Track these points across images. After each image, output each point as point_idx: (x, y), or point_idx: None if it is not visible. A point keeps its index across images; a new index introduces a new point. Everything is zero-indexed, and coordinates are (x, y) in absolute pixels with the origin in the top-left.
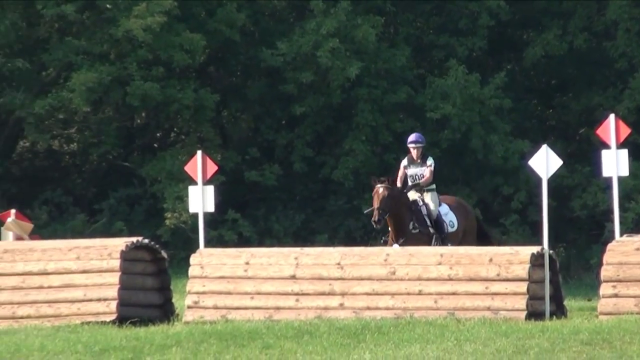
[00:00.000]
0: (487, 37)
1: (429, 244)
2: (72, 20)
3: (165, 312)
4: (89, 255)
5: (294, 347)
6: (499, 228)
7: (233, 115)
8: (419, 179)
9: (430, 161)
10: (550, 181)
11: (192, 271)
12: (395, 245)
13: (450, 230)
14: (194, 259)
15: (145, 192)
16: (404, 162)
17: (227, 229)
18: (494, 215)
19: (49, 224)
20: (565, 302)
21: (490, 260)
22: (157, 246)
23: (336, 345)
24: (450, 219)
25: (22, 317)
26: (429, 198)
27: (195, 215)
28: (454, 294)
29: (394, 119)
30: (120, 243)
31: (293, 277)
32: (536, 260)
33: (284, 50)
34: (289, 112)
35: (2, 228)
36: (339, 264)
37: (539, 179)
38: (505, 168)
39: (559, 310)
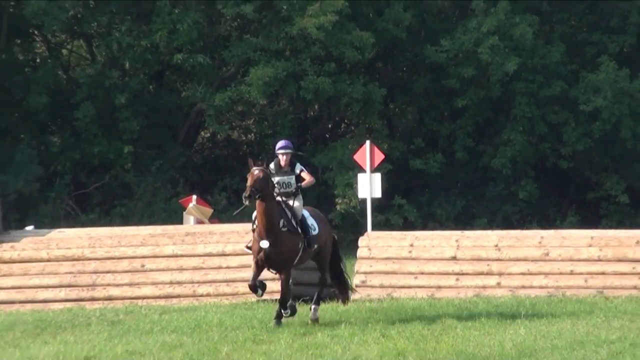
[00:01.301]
0: (637, 34)
1: (296, 242)
2: (251, 19)
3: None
4: None
5: (454, 323)
6: None
7: (399, 108)
8: (285, 187)
9: (299, 167)
10: None
11: (360, 253)
12: (265, 242)
13: (314, 233)
14: (362, 241)
15: (318, 179)
16: (271, 167)
17: (393, 214)
18: None
19: (228, 209)
20: None
21: (637, 242)
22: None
23: (493, 321)
24: (311, 222)
25: (202, 295)
26: (295, 202)
27: (364, 201)
28: (602, 273)
29: (548, 110)
30: None
31: (454, 258)
32: None
33: (447, 47)
34: (452, 104)
35: (184, 213)
36: (496, 246)
37: None
38: None
39: None
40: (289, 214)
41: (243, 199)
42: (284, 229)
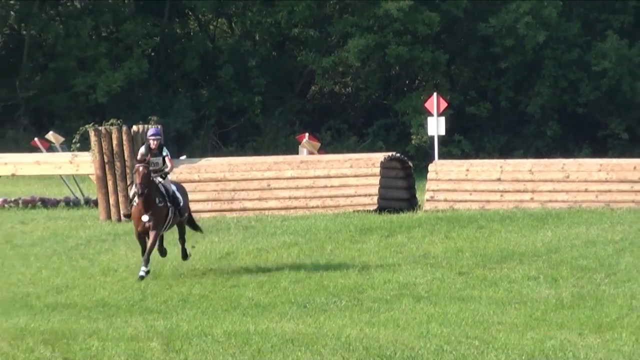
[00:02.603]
0: (633, 14)
1: (167, 213)
2: (348, 2)
3: (410, 204)
4: (359, 164)
5: (499, 227)
6: None
7: (458, 69)
8: (155, 166)
9: (165, 152)
10: None
11: (429, 176)
12: (146, 217)
13: (182, 204)
14: (431, 167)
15: (398, 121)
16: (142, 150)
17: (453, 147)
18: None
19: (331, 143)
20: None
21: (635, 168)
22: (405, 158)
23: (528, 227)
24: (178, 195)
25: (312, 207)
26: (166, 180)
27: (432, 137)
28: (609, 191)
29: (568, 71)
30: (380, 156)
31: (498, 179)
32: None
33: (494, 23)
34: (496, 66)
35: (299, 146)
36: (530, 170)
37: None
38: None
39: None
40: (163, 191)
41: (137, 196)
42: (160, 205)
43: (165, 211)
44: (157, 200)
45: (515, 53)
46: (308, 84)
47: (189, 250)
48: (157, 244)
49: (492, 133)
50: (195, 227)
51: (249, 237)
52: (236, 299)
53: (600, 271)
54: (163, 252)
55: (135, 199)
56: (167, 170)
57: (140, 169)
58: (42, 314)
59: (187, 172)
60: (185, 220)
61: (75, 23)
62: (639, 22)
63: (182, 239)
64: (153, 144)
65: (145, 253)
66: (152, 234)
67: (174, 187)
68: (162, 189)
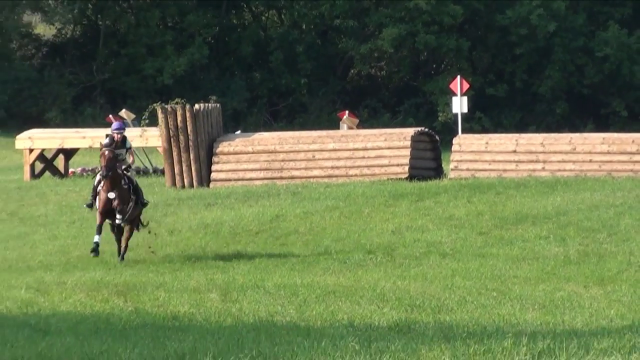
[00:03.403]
0: (632, 7)
1: (129, 193)
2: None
3: (437, 173)
4: (392, 138)
5: (515, 193)
6: None
7: (479, 54)
8: (121, 157)
9: (129, 144)
10: None
11: (453, 148)
12: (112, 194)
13: (139, 187)
14: (455, 140)
15: (426, 100)
16: (106, 141)
17: (475, 123)
18: None
19: (368, 120)
20: None
21: (633, 141)
22: (432, 133)
23: (540, 193)
24: (139, 188)
25: (351, 175)
26: (131, 173)
27: (456, 115)
28: (610, 161)
29: (575, 56)
30: (411, 131)
31: (514, 151)
32: None
33: (510, 15)
34: (512, 52)
35: (340, 122)
36: (542, 143)
37: None
38: None
39: None
40: (126, 179)
41: (101, 177)
42: (125, 187)
43: (129, 194)
44: (122, 182)
45: (529, 41)
46: (348, 68)
47: (126, 249)
48: (101, 228)
49: (509, 111)
50: (140, 223)
51: (296, 201)
52: (285, 255)
53: (602, 231)
54: (99, 236)
55: (101, 184)
56: (129, 162)
57: (106, 152)
58: (116, 269)
59: (242, 145)
60: (139, 214)
61: (144, 14)
62: (636, 14)
63: (127, 240)
64: (117, 137)
65: (123, 247)
66: (126, 229)
67: (136, 181)
68: (126, 178)
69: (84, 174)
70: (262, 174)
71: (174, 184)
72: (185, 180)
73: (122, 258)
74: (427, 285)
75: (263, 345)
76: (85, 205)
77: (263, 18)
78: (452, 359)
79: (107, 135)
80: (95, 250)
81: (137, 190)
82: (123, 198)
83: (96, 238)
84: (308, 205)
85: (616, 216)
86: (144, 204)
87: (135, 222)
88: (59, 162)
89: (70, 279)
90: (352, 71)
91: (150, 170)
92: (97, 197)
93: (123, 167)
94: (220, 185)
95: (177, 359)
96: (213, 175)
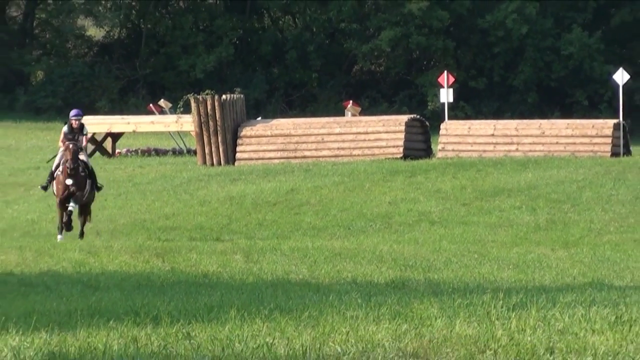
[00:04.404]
0: (592, 12)
1: (86, 180)
2: (382, 3)
3: (427, 153)
4: (389, 123)
5: (493, 170)
6: None
7: (462, 52)
8: (80, 143)
9: (86, 130)
10: None
11: (441, 132)
12: (70, 180)
13: (94, 172)
14: (442, 125)
15: (418, 92)
16: (65, 129)
17: (459, 111)
18: None
19: (369, 109)
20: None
21: (593, 126)
22: (423, 119)
23: (514, 170)
24: (94, 172)
25: (355, 155)
26: (85, 154)
27: (443, 104)
28: (573, 143)
29: (544, 54)
30: (405, 117)
31: (492, 135)
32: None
33: (489, 19)
34: (491, 50)
35: (345, 110)
36: (515, 128)
37: None
38: None
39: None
40: (83, 165)
41: (68, 170)
42: (83, 174)
43: (85, 180)
44: (80, 169)
45: (505, 41)
46: (352, 64)
47: (86, 228)
48: (63, 219)
49: (488, 101)
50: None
51: (308, 177)
52: (298, 223)
53: (567, 203)
54: (69, 226)
55: (60, 168)
56: (81, 145)
57: (71, 146)
58: (155, 234)
59: (262, 130)
60: (93, 198)
61: (180, 19)
62: (596, 19)
63: (84, 219)
64: (75, 123)
65: (81, 228)
66: (84, 213)
67: (91, 165)
68: (83, 164)
69: (128, 154)
70: (279, 154)
71: (204, 162)
72: (214, 159)
73: (82, 236)
74: (418, 248)
75: (280, 299)
76: (40, 187)
77: (280, 22)
78: (439, 310)
79: (65, 123)
80: (63, 230)
81: (92, 175)
82: (79, 185)
83: (59, 238)
84: (318, 181)
85: (579, 190)
86: (99, 188)
87: (90, 205)
88: (107, 144)
89: (116, 243)
90: (355, 67)
91: (185, 151)
92: (55, 182)
93: (81, 155)
94: (243, 163)
95: (207, 310)
96: (238, 155)
